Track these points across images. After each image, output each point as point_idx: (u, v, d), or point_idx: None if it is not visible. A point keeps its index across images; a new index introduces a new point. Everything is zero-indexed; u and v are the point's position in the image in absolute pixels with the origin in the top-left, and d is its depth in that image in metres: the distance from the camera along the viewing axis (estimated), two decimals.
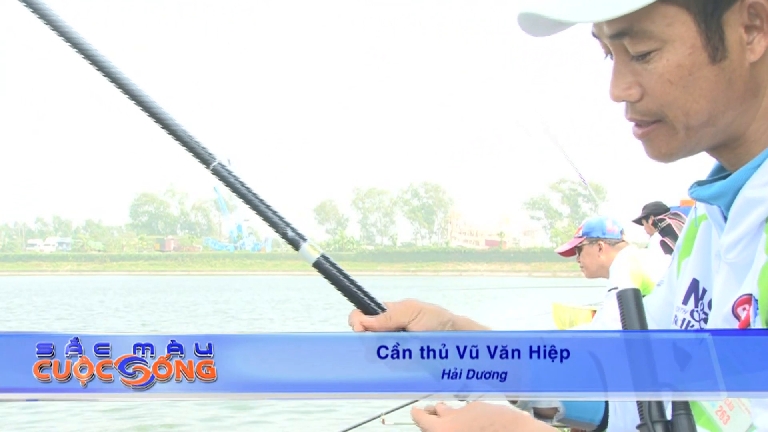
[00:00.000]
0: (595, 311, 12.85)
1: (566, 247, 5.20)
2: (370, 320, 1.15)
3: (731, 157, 1.04)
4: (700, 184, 1.07)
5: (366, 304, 1.18)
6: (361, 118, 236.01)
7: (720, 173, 1.07)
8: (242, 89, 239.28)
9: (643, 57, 0.99)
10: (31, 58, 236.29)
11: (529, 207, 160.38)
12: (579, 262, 5.17)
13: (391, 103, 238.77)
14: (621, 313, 0.78)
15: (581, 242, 5.03)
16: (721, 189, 1.02)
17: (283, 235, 1.20)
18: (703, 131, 1.00)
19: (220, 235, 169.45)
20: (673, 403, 0.73)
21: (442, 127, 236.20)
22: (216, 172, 1.21)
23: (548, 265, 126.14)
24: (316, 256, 1.18)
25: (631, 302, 0.78)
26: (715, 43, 0.97)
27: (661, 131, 1.02)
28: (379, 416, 6.19)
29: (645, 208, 7.99)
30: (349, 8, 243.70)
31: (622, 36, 0.99)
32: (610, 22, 0.99)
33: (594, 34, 1.05)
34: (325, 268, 1.18)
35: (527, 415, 1.10)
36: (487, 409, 1.05)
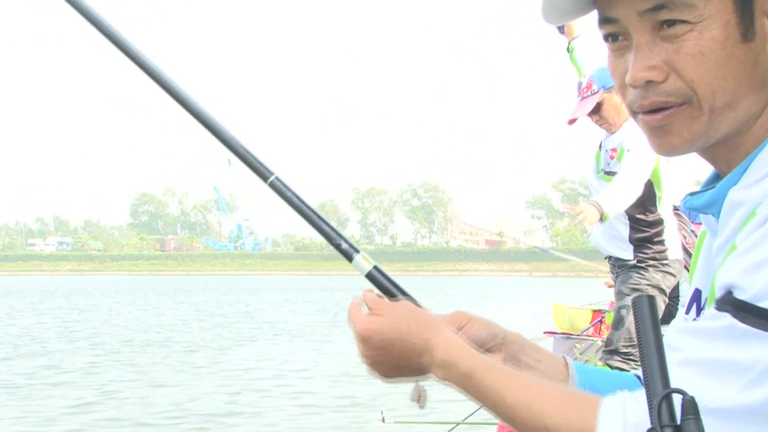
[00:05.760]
0: (595, 311, 12.91)
1: (589, 105, 4.66)
2: None
3: (730, 156, 1.03)
4: (692, 194, 1.07)
5: None
6: (361, 118, 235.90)
7: (713, 182, 1.07)
8: (242, 89, 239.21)
9: (674, 29, 0.98)
10: (31, 57, 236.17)
11: (529, 206, 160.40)
12: (599, 118, 4.74)
13: (390, 102, 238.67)
14: (635, 320, 0.78)
15: (602, 96, 4.61)
16: (711, 197, 1.02)
17: (337, 246, 1.27)
18: (724, 115, 0.98)
19: (220, 235, 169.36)
20: (683, 408, 0.73)
21: (442, 126, 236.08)
22: (273, 186, 1.28)
23: (548, 265, 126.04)
24: (368, 267, 1.25)
25: (645, 309, 0.77)
26: (746, 23, 0.97)
27: (683, 114, 0.99)
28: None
29: None
30: (350, 9, 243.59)
31: (660, 9, 0.98)
32: None
33: (604, 19, 1.04)
34: (377, 279, 1.24)
35: (441, 321, 1.15)
36: (408, 314, 1.15)
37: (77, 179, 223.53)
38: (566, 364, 1.27)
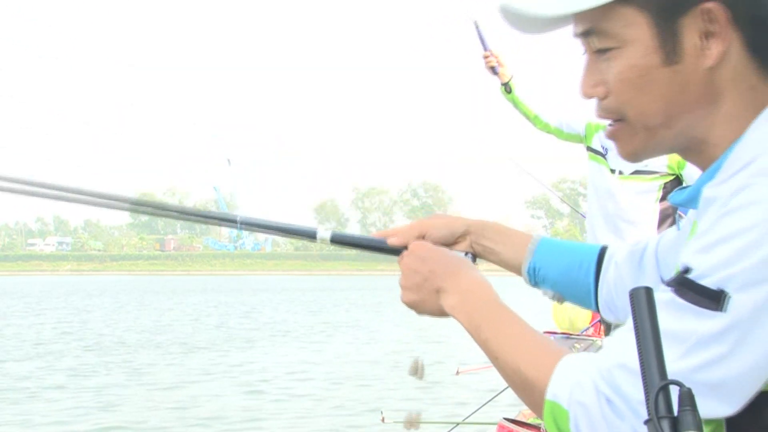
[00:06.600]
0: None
1: None
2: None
3: (699, 161, 1.07)
4: (679, 190, 1.10)
5: (384, 248, 1.43)
6: (361, 118, 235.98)
7: None
8: (242, 89, 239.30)
9: (606, 55, 1.03)
10: (30, 56, 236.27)
11: (529, 206, 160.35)
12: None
13: (390, 102, 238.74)
14: (632, 311, 0.79)
15: None
16: (690, 193, 1.05)
17: (305, 236, 1.46)
18: (662, 133, 1.03)
19: (220, 235, 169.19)
20: (680, 399, 0.74)
21: (442, 126, 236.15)
22: (243, 225, 1.48)
23: None
24: (329, 234, 1.45)
25: (642, 300, 0.78)
26: (669, 47, 1.00)
27: (624, 131, 1.06)
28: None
29: None
30: (350, 9, 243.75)
31: (588, 34, 1.04)
32: (579, 21, 1.04)
33: (574, 33, 1.08)
34: (341, 239, 1.45)
35: (470, 264, 1.27)
36: (454, 253, 1.31)
37: (77, 179, 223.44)
38: (528, 242, 1.43)
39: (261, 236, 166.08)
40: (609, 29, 1.01)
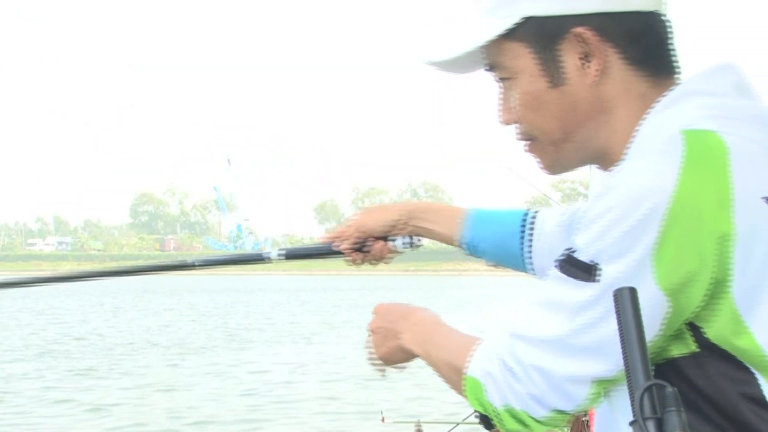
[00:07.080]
0: None
1: None
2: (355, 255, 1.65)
3: (607, 168, 1.17)
4: None
5: (333, 252, 1.63)
6: (361, 118, 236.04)
7: None
8: (243, 89, 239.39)
9: (505, 85, 1.17)
10: (29, 56, 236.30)
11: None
12: None
13: (390, 102, 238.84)
14: (617, 312, 0.81)
15: None
16: None
17: (259, 260, 1.67)
18: (566, 147, 1.16)
19: (219, 235, 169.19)
20: (665, 400, 0.76)
21: (442, 126, 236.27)
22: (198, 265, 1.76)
23: None
24: (282, 253, 1.65)
25: (627, 301, 0.80)
26: (551, 71, 1.12)
27: (536, 148, 1.19)
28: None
29: None
30: (349, 9, 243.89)
31: (492, 69, 1.18)
32: (486, 59, 1.17)
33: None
34: (294, 254, 1.66)
35: (420, 308, 1.36)
36: (405, 305, 1.40)
37: (77, 179, 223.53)
38: (461, 217, 1.59)
39: (261, 236, 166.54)
40: (502, 63, 1.15)
